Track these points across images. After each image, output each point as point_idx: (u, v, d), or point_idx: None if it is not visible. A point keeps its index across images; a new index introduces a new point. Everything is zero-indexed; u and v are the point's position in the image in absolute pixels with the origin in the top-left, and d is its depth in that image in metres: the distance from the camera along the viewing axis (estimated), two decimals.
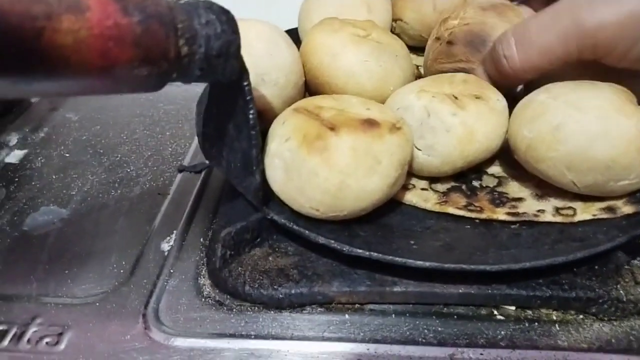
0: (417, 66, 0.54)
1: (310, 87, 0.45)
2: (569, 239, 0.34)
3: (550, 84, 0.39)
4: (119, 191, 0.47)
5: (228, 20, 0.30)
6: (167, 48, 0.27)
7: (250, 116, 0.32)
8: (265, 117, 0.41)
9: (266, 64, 0.40)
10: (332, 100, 0.36)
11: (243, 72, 0.32)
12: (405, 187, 0.39)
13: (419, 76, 0.53)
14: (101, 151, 0.52)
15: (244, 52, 0.40)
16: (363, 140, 0.32)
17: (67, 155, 0.52)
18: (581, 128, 0.34)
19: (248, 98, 0.32)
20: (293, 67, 0.41)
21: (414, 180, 0.40)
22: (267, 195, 0.36)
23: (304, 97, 0.44)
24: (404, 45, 0.46)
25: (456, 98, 0.38)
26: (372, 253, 0.33)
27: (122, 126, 0.56)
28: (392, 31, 0.57)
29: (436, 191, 0.39)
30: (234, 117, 0.34)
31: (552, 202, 0.37)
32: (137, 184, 0.48)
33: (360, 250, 0.33)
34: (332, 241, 0.34)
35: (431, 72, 0.47)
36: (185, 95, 0.61)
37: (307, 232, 0.34)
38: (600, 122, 0.33)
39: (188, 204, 0.45)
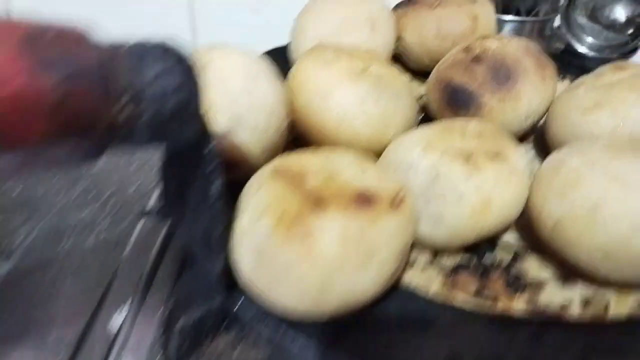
0: (420, 96, 0.48)
1: (297, 129, 0.38)
2: (602, 350, 0.28)
3: (582, 144, 0.32)
4: (70, 241, 0.40)
5: (186, 70, 0.23)
6: (99, 114, 0.20)
7: (214, 189, 0.26)
8: (242, 168, 0.34)
9: (244, 104, 0.33)
10: (321, 159, 0.29)
11: (205, 135, 0.25)
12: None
13: (419, 110, 0.46)
14: (55, 188, 0.45)
15: (217, 89, 0.34)
16: (355, 224, 0.25)
17: (14, 195, 0.45)
18: (624, 210, 0.27)
19: (210, 170, 0.25)
20: (275, 108, 0.35)
21: (414, 253, 0.33)
22: (234, 278, 0.29)
23: (286, 140, 0.37)
24: (407, 81, 0.40)
25: (470, 156, 0.32)
26: None
27: None
28: (395, 50, 0.50)
29: (442, 268, 0.33)
30: (194, 187, 0.27)
31: (580, 289, 0.31)
32: (92, 232, 0.41)
33: None
34: (315, 343, 0.27)
35: (437, 76, 0.42)
36: None
37: (280, 334, 0.28)
38: None
39: (149, 261, 0.38)
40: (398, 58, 0.51)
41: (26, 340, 0.33)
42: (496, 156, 0.32)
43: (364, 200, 0.26)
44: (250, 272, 0.27)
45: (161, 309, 0.35)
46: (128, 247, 0.40)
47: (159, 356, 0.32)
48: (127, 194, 0.45)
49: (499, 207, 0.31)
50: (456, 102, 0.40)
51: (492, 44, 0.41)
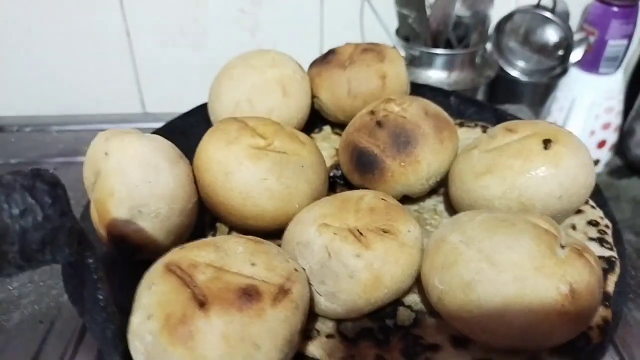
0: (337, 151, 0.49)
1: (205, 203, 0.39)
2: None
3: (465, 217, 0.34)
4: None
5: (54, 201, 0.24)
6: None
7: (100, 297, 0.27)
8: (147, 251, 0.36)
9: (143, 193, 0.34)
10: (212, 252, 0.31)
11: (84, 251, 0.26)
12: (307, 335, 0.34)
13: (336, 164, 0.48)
14: None
15: (117, 179, 0.35)
16: (238, 322, 0.27)
17: None
18: (495, 290, 0.29)
19: (95, 277, 0.27)
20: (177, 193, 0.36)
21: (318, 324, 0.35)
22: None
23: (199, 212, 0.39)
24: (315, 148, 0.41)
25: (361, 234, 0.33)
26: None
27: None
28: (313, 107, 0.51)
29: (344, 337, 0.34)
30: (87, 290, 0.28)
31: (472, 352, 0.33)
32: (18, 308, 0.42)
33: None
34: None
35: (347, 142, 0.44)
36: None
37: None
38: (517, 285, 0.29)
39: (73, 338, 0.39)
40: (317, 112, 0.53)
41: None
42: (386, 233, 0.34)
43: (247, 297, 0.28)
44: None
45: None
46: (54, 324, 0.40)
47: None
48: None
49: (389, 281, 0.33)
50: (363, 165, 0.42)
51: (394, 108, 0.43)
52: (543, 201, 0.37)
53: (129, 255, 0.36)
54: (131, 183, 0.34)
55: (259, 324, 0.27)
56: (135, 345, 0.28)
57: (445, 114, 0.44)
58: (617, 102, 0.78)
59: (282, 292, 0.29)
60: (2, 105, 0.78)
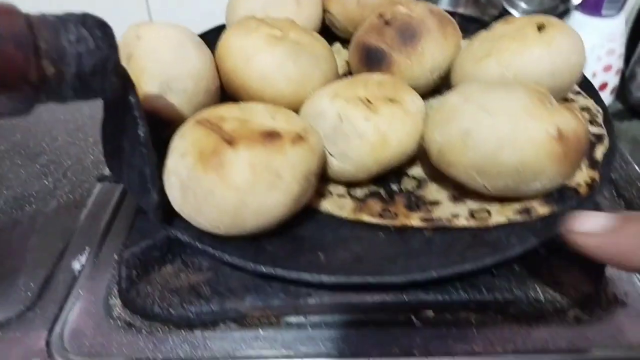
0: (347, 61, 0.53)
1: (226, 91, 0.43)
2: (481, 245, 0.34)
3: (465, 83, 0.38)
4: (33, 206, 0.45)
5: (104, 35, 0.28)
6: (26, 71, 0.25)
7: (140, 133, 0.31)
8: (175, 127, 0.39)
9: (173, 70, 0.38)
10: (237, 110, 0.35)
11: (127, 87, 0.30)
12: (321, 195, 0.38)
13: (348, 73, 0.51)
14: (19, 162, 0.50)
15: (149, 58, 0.38)
16: (262, 154, 0.31)
17: None
18: (490, 133, 0.33)
19: (136, 114, 0.30)
20: (203, 73, 0.40)
21: (331, 187, 0.39)
22: (171, 211, 0.34)
23: (220, 101, 0.42)
24: (327, 45, 0.45)
25: (370, 102, 0.37)
26: (276, 269, 0.32)
27: (44, 133, 0.54)
28: (324, 23, 0.55)
29: (354, 197, 0.38)
30: (126, 133, 0.32)
31: (468, 205, 0.37)
32: (54, 197, 0.46)
33: (265, 268, 0.32)
34: (237, 258, 0.32)
35: (356, 43, 0.47)
36: None
37: (211, 249, 0.33)
38: (509, 127, 0.32)
39: (105, 218, 0.43)
40: (328, 29, 0.56)
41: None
42: (392, 101, 0.37)
43: (270, 137, 0.32)
44: (179, 204, 0.32)
45: (118, 252, 0.40)
46: (86, 208, 0.44)
47: (114, 289, 0.37)
48: (84, 163, 0.49)
49: (395, 142, 0.36)
50: (370, 60, 0.45)
51: (401, 9, 0.46)
52: (537, 79, 0.40)
53: (160, 132, 0.40)
54: (162, 60, 0.38)
55: (281, 158, 0.31)
56: (171, 181, 0.32)
57: (449, 15, 0.47)
58: (618, 45, 0.80)
59: (300, 137, 0.33)
60: None
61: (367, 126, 0.36)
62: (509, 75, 0.41)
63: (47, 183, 0.47)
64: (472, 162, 0.34)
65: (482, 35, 0.44)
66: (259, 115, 0.34)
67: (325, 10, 0.54)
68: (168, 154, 0.33)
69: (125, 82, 0.30)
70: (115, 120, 0.32)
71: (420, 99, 0.39)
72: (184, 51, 0.39)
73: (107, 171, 0.48)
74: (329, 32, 0.56)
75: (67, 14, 0.27)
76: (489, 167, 0.33)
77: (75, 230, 0.42)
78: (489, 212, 0.36)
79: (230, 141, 0.31)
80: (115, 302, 0.36)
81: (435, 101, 0.38)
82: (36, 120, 0.56)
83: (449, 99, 0.36)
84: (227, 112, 0.34)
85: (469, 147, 0.33)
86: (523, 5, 0.86)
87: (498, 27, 0.44)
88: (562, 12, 0.84)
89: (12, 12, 0.25)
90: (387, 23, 0.46)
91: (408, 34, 0.44)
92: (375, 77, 0.40)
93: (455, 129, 0.34)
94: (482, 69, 0.42)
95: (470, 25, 0.59)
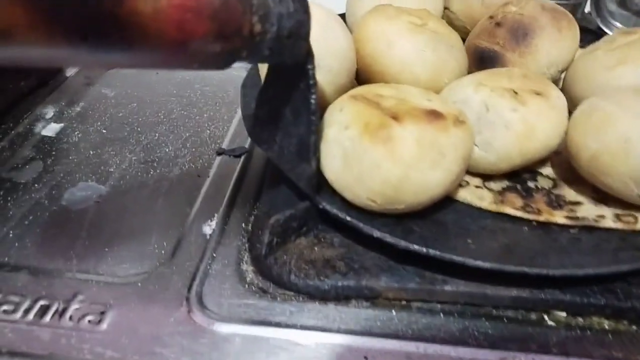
0: None
1: (361, 76, 0.43)
2: (632, 248, 0.33)
3: (607, 90, 0.37)
4: (157, 171, 0.46)
5: (300, 0, 0.28)
6: (242, 24, 0.26)
7: (312, 101, 0.31)
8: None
9: (321, 49, 0.38)
10: (391, 89, 0.35)
11: (309, 55, 0.30)
12: (458, 184, 0.38)
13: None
14: (138, 129, 0.51)
15: None
16: (429, 131, 0.31)
17: (104, 131, 0.51)
18: None
19: (311, 82, 0.31)
20: (347, 54, 0.40)
21: (467, 177, 0.39)
22: (320, 184, 0.35)
23: (354, 86, 0.43)
24: (459, 37, 0.45)
25: (516, 93, 0.37)
26: (429, 250, 0.32)
27: (159, 105, 0.55)
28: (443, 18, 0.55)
29: (491, 190, 0.38)
30: (293, 100, 0.33)
31: (612, 208, 0.36)
32: (176, 164, 0.47)
33: (417, 247, 0.32)
34: (388, 235, 0.33)
35: (468, 47, 0.47)
36: (221, 78, 0.60)
37: (361, 224, 0.33)
38: None
39: (228, 188, 0.44)
40: None
41: (132, 242, 0.39)
42: (539, 94, 0.37)
43: (434, 115, 0.32)
44: (337, 173, 0.33)
45: (245, 221, 0.40)
46: (209, 178, 0.45)
47: (245, 255, 0.38)
48: (202, 137, 0.51)
49: (542, 135, 0.36)
50: (484, 62, 0.45)
51: (512, 9, 0.46)
52: None
53: None
54: (311, 38, 0.38)
55: (445, 137, 0.31)
56: (332, 150, 0.33)
57: (562, 8, 0.46)
58: None
59: (459, 120, 0.33)
60: None
61: (514, 117, 0.36)
62: None
63: (167, 151, 0.49)
64: (632, 171, 0.33)
65: (603, 46, 0.44)
66: (415, 96, 0.34)
67: (445, 8, 0.54)
68: (324, 126, 0.34)
69: (309, 50, 0.30)
70: (283, 86, 0.33)
71: (564, 96, 0.39)
72: (332, 31, 0.39)
73: (224, 146, 0.50)
74: None
75: None
76: None
77: (199, 197, 0.43)
78: (635, 217, 0.35)
79: (395, 117, 0.31)
80: (247, 268, 0.37)
81: (580, 106, 0.37)
82: (150, 93, 0.57)
83: (597, 104, 0.36)
84: (382, 91, 0.35)
85: (630, 154, 0.33)
86: (618, 26, 0.85)
87: (618, 38, 0.43)
88: None
89: None
90: (498, 24, 0.45)
91: (520, 33, 0.44)
92: (517, 71, 0.40)
93: (614, 135, 0.34)
94: (617, 76, 0.41)
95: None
